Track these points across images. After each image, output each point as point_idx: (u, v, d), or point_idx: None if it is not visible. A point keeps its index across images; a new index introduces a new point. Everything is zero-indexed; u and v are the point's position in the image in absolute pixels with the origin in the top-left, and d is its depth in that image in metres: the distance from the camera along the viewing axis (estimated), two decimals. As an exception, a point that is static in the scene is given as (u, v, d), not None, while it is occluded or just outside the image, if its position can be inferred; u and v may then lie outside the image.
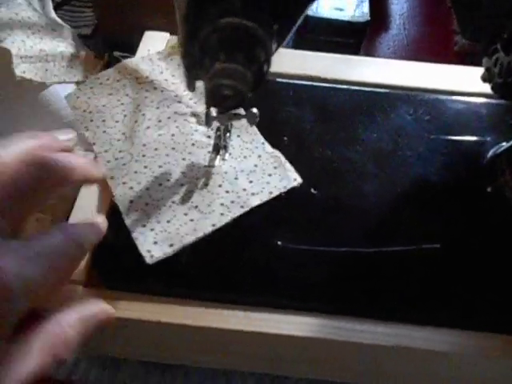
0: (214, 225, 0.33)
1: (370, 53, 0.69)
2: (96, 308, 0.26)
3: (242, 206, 0.35)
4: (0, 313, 0.20)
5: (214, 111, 0.33)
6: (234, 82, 0.21)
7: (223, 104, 0.23)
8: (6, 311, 0.20)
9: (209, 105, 0.26)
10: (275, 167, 0.38)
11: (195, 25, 0.22)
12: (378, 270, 0.34)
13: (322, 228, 0.36)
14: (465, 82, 0.46)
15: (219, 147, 0.37)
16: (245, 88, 0.22)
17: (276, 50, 0.24)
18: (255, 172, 0.37)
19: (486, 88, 0.38)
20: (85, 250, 0.25)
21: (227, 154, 0.38)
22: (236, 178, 0.36)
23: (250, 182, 0.36)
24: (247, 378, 0.38)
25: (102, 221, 0.28)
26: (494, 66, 0.36)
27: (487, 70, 0.37)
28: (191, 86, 0.27)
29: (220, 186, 0.36)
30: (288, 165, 0.38)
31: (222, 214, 0.34)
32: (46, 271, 0.22)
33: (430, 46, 0.73)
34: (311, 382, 0.37)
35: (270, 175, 0.37)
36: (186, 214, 0.34)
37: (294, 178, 0.37)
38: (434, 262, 0.34)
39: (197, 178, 0.36)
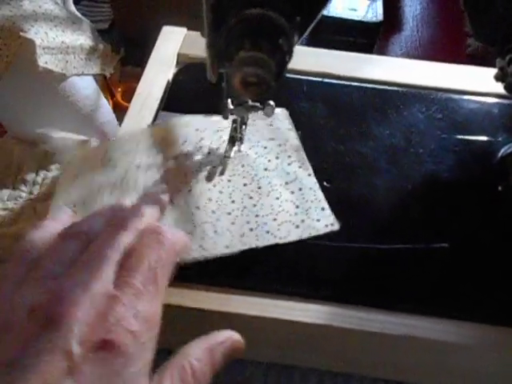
0: (227, 247, 0.33)
1: (382, 53, 0.70)
2: (222, 337, 0.26)
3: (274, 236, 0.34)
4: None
5: (230, 104, 0.34)
6: (259, 69, 0.22)
7: (248, 92, 0.24)
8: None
9: (232, 97, 0.27)
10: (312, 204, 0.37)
11: (221, 15, 0.22)
12: (389, 263, 0.35)
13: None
14: (477, 81, 0.47)
15: (235, 139, 0.37)
16: (269, 76, 0.23)
17: (297, 41, 0.25)
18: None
19: (498, 88, 0.39)
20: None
21: (242, 146, 0.38)
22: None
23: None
24: (256, 367, 0.39)
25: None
26: (508, 65, 0.37)
27: (501, 69, 0.38)
28: (214, 76, 0.28)
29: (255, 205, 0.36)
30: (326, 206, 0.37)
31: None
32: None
33: (443, 48, 0.73)
34: (320, 373, 0.38)
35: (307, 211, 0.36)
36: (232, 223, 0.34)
37: (330, 223, 0.36)
38: (444, 258, 0.35)
39: (214, 167, 0.37)
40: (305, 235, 0.35)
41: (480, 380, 0.36)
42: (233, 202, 0.36)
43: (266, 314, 0.31)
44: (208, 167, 0.38)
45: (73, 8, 0.53)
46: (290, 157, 0.40)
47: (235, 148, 0.38)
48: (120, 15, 0.68)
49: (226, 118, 0.34)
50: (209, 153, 0.38)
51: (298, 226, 0.35)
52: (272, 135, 0.41)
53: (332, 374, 0.37)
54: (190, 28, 0.51)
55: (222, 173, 0.37)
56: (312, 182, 0.38)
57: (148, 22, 0.64)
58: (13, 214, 0.48)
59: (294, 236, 0.35)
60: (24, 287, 0.22)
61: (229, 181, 0.37)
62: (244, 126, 0.37)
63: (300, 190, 0.37)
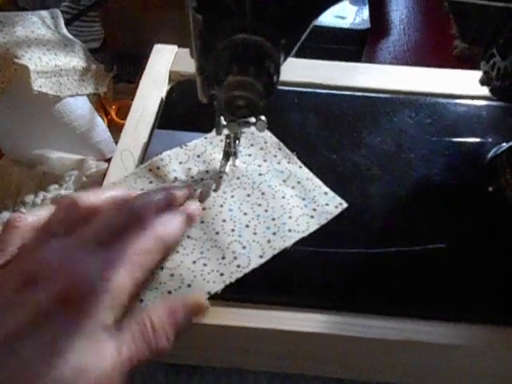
0: (261, 256, 0.35)
1: (371, 59, 0.71)
2: (184, 299, 0.30)
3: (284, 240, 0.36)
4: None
5: (223, 119, 0.35)
6: (246, 93, 0.23)
7: (237, 113, 0.25)
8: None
9: (224, 115, 0.28)
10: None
11: (209, 41, 0.23)
12: (385, 268, 0.35)
13: (331, 229, 0.37)
14: (464, 85, 0.48)
15: (229, 154, 0.38)
16: (257, 98, 0.23)
17: (284, 61, 0.26)
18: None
19: (486, 91, 0.40)
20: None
21: (237, 161, 0.39)
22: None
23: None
24: (259, 377, 0.39)
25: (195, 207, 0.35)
26: (492, 69, 0.38)
27: (485, 73, 0.39)
28: (205, 98, 0.29)
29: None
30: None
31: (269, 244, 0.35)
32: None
33: (430, 50, 0.74)
34: (322, 381, 0.38)
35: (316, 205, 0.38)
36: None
37: (339, 203, 0.38)
38: (440, 260, 0.36)
39: (214, 190, 0.38)
40: (322, 221, 0.37)
41: (480, 381, 0.36)
42: (245, 214, 0.37)
43: (267, 325, 0.32)
44: (208, 192, 0.38)
45: (65, 31, 0.54)
46: (276, 156, 0.41)
47: (230, 163, 0.39)
48: (111, 34, 0.69)
49: (219, 133, 0.35)
50: (202, 179, 0.39)
51: (312, 216, 0.37)
52: (251, 141, 0.42)
53: (336, 380, 0.38)
54: (180, 44, 0.52)
55: (216, 189, 0.38)
56: (305, 172, 0.40)
57: (139, 39, 0.65)
58: (13, 236, 0.49)
59: (313, 226, 0.36)
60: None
61: (232, 197, 0.38)
62: (237, 141, 0.38)
63: (299, 183, 0.39)
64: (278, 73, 0.24)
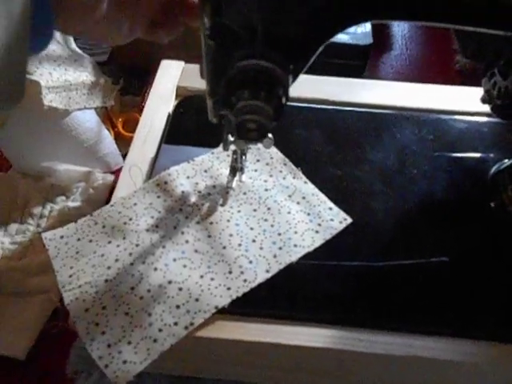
0: (267, 271, 0.35)
1: (374, 73, 0.72)
2: None
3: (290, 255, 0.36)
4: None
5: (230, 136, 0.36)
6: (257, 116, 0.24)
7: (248, 136, 0.26)
8: None
9: (233, 134, 0.29)
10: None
11: (221, 66, 0.24)
12: (389, 283, 0.36)
13: (335, 244, 0.38)
14: (466, 101, 0.48)
15: (236, 170, 0.39)
16: (267, 121, 0.24)
17: (292, 83, 0.26)
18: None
19: (487, 107, 0.40)
20: None
21: (244, 176, 0.40)
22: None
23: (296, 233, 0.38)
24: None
25: None
26: (493, 88, 0.38)
27: (486, 92, 0.40)
28: (215, 118, 0.29)
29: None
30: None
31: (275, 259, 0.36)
32: None
33: (432, 65, 0.75)
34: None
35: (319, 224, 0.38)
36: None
37: (344, 218, 0.39)
38: (442, 274, 0.36)
39: (221, 204, 0.39)
40: (327, 236, 0.37)
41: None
42: (252, 229, 0.38)
43: (272, 340, 0.33)
44: (215, 206, 0.39)
45: (74, 46, 0.55)
46: (281, 172, 0.42)
47: (236, 178, 0.40)
48: (118, 47, 0.70)
49: (226, 149, 0.35)
50: (209, 194, 0.40)
51: (317, 231, 0.38)
52: (257, 157, 0.43)
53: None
54: (186, 59, 0.53)
55: (223, 204, 0.39)
56: (311, 188, 0.41)
57: (145, 53, 0.66)
58: (21, 248, 0.49)
59: (318, 241, 0.37)
60: None
61: (239, 211, 0.39)
62: (244, 157, 0.39)
63: (304, 198, 0.40)
64: (286, 96, 0.25)
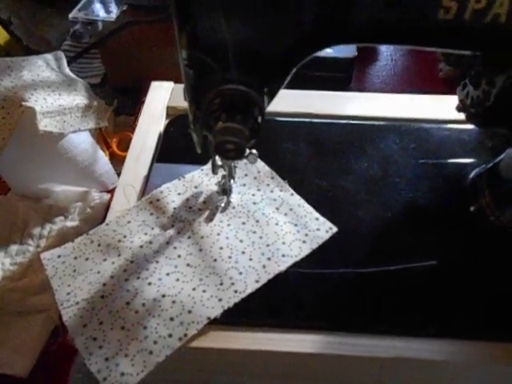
0: (257, 281, 0.36)
1: (360, 84, 0.74)
2: None
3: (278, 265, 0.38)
4: None
5: (218, 160, 0.38)
6: (234, 137, 0.26)
7: (227, 156, 0.28)
8: None
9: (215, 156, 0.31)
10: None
11: (200, 91, 0.26)
12: (374, 288, 0.37)
13: (324, 252, 0.39)
14: (446, 110, 0.50)
15: (225, 191, 0.41)
16: (244, 141, 0.26)
17: (268, 104, 0.28)
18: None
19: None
20: None
21: (232, 195, 0.42)
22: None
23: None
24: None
25: None
26: (466, 98, 0.40)
27: (461, 101, 0.41)
28: (200, 147, 0.31)
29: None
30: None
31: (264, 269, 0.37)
32: None
33: (417, 73, 0.77)
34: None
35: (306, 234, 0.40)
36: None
37: (329, 227, 0.40)
38: (426, 278, 0.38)
39: (211, 219, 0.41)
40: (314, 246, 0.39)
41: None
42: (241, 241, 0.39)
43: (264, 347, 0.34)
44: (205, 221, 0.41)
45: (67, 71, 0.57)
46: (268, 185, 0.43)
47: (225, 199, 0.41)
48: (111, 69, 0.72)
49: (215, 173, 0.37)
50: (199, 209, 0.41)
51: (304, 241, 0.39)
52: (244, 171, 0.44)
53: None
54: (176, 78, 0.55)
55: (213, 219, 0.40)
56: (297, 199, 0.42)
57: (137, 74, 0.68)
58: (21, 269, 0.51)
59: (305, 250, 0.39)
60: None
61: (228, 225, 0.40)
62: (232, 180, 0.41)
63: (291, 209, 0.41)
64: (262, 115, 0.27)
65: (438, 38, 0.30)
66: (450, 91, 0.53)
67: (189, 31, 0.23)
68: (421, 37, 0.30)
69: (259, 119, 0.26)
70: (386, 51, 0.81)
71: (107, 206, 0.57)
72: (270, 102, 0.28)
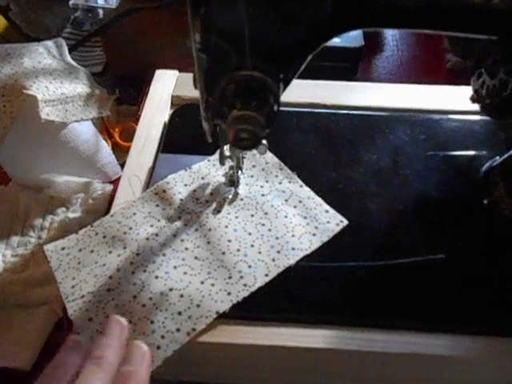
0: (266, 275, 0.36)
1: (367, 74, 0.73)
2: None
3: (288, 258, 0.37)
4: None
5: (227, 150, 0.37)
6: (249, 126, 0.24)
7: (241, 145, 0.26)
8: None
9: (230, 146, 0.29)
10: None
11: (214, 78, 0.25)
12: (386, 281, 0.36)
13: (332, 245, 0.38)
14: (457, 101, 0.49)
15: (233, 182, 0.40)
16: (259, 130, 0.25)
17: (283, 91, 0.27)
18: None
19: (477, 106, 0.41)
20: None
21: (240, 187, 0.41)
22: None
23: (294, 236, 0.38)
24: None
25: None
26: (481, 88, 0.39)
27: (475, 91, 0.40)
28: (211, 136, 0.30)
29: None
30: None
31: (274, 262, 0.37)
32: None
33: (425, 64, 0.76)
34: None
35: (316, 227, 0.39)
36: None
37: (340, 220, 0.39)
38: (438, 272, 0.37)
39: (218, 211, 0.40)
40: (324, 239, 0.38)
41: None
42: (250, 234, 0.38)
43: (272, 342, 0.33)
44: (213, 213, 0.40)
45: (69, 59, 0.55)
46: (277, 176, 0.42)
47: (233, 190, 0.40)
48: (112, 58, 0.71)
49: (222, 164, 0.36)
50: (207, 201, 0.40)
51: (314, 234, 0.38)
52: (252, 162, 0.43)
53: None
54: (180, 67, 0.54)
55: (220, 211, 0.39)
56: (306, 191, 0.41)
57: (140, 62, 0.67)
58: (23, 260, 0.50)
59: (316, 243, 0.38)
60: None
61: (236, 217, 0.39)
62: (240, 171, 0.40)
63: (300, 202, 0.40)
64: (278, 104, 0.26)
65: (455, 21, 0.29)
66: (456, 82, 0.52)
67: (203, 14, 0.22)
68: (437, 20, 0.29)
69: (275, 108, 0.25)
70: (392, 41, 0.79)
71: (110, 197, 0.56)
72: (284, 89, 0.27)
